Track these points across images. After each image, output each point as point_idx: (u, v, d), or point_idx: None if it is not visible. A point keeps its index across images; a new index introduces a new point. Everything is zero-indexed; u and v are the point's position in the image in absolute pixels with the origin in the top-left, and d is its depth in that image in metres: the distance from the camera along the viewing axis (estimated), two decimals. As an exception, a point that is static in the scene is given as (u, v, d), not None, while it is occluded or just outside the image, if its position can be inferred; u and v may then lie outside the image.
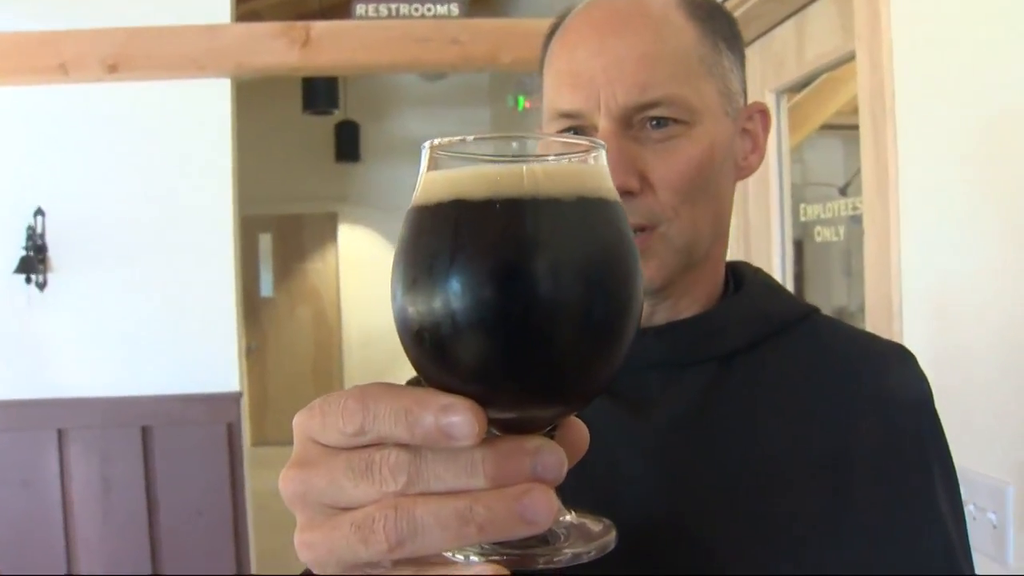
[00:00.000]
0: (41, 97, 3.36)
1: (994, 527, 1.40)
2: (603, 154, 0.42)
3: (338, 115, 7.66)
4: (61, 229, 3.36)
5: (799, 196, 2.66)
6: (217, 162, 3.45)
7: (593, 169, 0.41)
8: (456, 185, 0.40)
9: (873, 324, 1.70)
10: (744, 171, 0.89)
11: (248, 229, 3.55)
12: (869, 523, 0.74)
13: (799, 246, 2.66)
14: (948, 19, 1.52)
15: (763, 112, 0.90)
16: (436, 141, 0.42)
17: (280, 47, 3.38)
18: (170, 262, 3.43)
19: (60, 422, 3.36)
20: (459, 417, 0.37)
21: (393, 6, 3.49)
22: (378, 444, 0.40)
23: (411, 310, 0.40)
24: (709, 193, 0.81)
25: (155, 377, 3.41)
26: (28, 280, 3.31)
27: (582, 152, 0.41)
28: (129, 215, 3.41)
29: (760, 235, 2.54)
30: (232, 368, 3.49)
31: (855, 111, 2.75)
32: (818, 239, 2.46)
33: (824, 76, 2.37)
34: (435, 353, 0.40)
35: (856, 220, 2.41)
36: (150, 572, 3.36)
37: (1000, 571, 1.38)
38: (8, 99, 3.36)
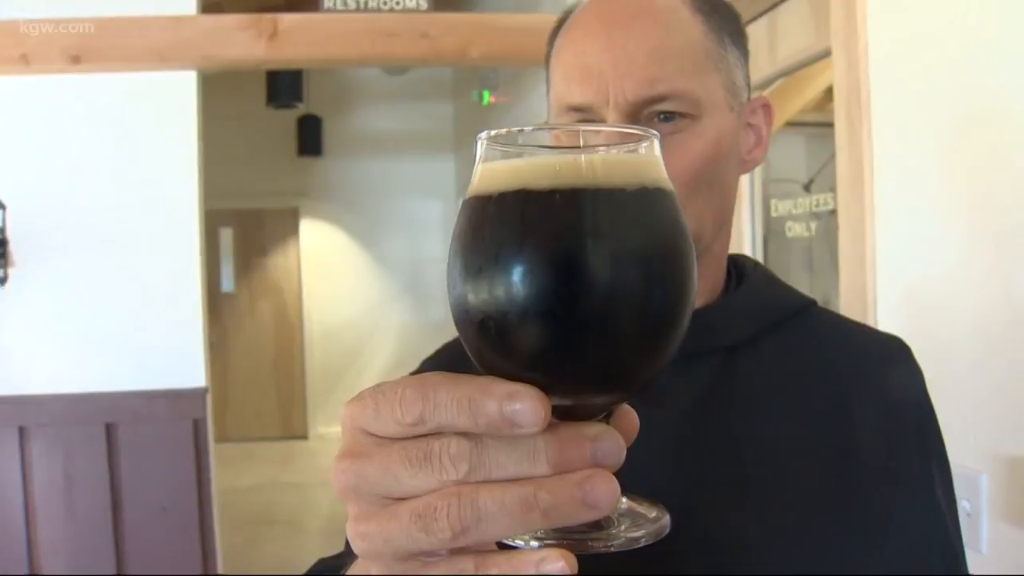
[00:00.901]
0: (1, 88, 3.29)
1: (968, 515, 1.43)
2: (656, 143, 0.42)
3: (301, 109, 7.60)
4: (22, 223, 3.29)
5: (766, 192, 2.70)
6: (182, 156, 3.40)
7: (650, 159, 0.42)
8: (520, 175, 0.40)
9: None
10: (748, 165, 0.90)
11: (209, 223, 3.51)
12: (871, 511, 0.76)
13: (765, 241, 2.69)
14: (924, 17, 1.55)
15: (766, 106, 0.91)
16: (492, 132, 0.42)
17: (247, 39, 3.34)
18: (134, 256, 3.38)
19: (21, 419, 3.29)
20: (524, 404, 0.38)
21: (362, -1, 3.48)
22: (435, 433, 0.40)
23: (475, 298, 0.40)
24: (714, 187, 0.82)
25: (119, 373, 3.36)
26: (-12, 275, 3.25)
27: (636, 142, 0.42)
28: (92, 209, 3.35)
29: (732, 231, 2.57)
30: (198, 363, 3.45)
31: (817, 108, 2.80)
32: (789, 234, 2.50)
33: (787, 76, 2.40)
34: (500, 341, 0.40)
35: (819, 216, 2.45)
36: (114, 570, 3.32)
37: (974, 559, 1.41)
38: (-33, 90, 3.30)
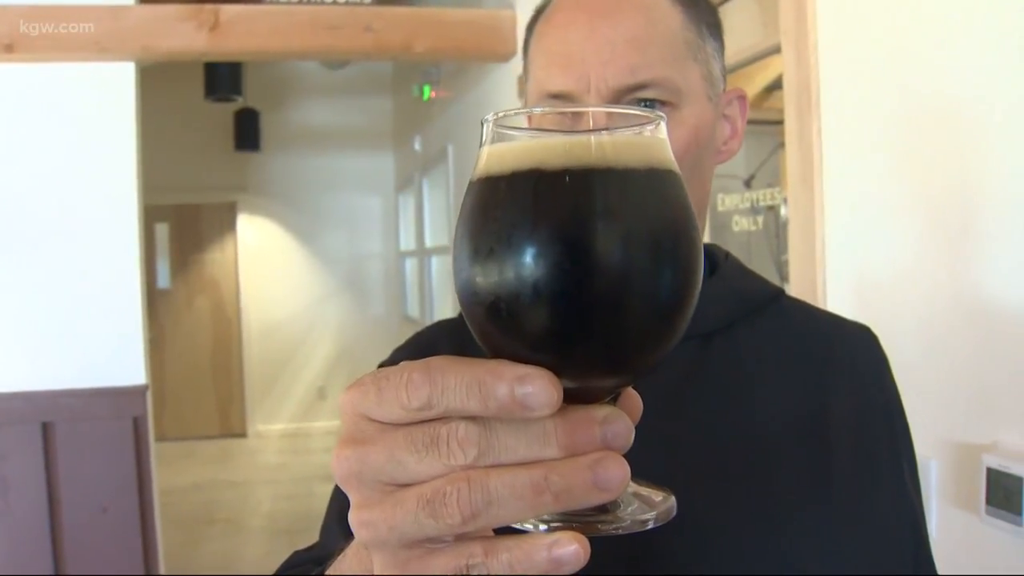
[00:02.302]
0: (-70, 78, 3.20)
1: (915, 502, 1.47)
2: (663, 125, 0.42)
3: (238, 103, 7.48)
4: (-47, 217, 3.20)
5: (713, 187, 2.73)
6: (120, 149, 3.34)
7: (659, 140, 0.42)
8: (531, 155, 0.39)
9: (797, 309, 1.76)
10: (723, 155, 0.91)
11: (145, 219, 3.45)
12: (845, 494, 0.77)
13: (710, 235, 2.73)
14: (873, 14, 1.58)
15: (742, 98, 0.92)
16: (500, 113, 0.42)
17: (188, 30, 3.29)
18: (71, 252, 3.31)
19: (-46, 419, 3.20)
20: (536, 387, 0.37)
21: (305, -9, 3.45)
22: (442, 418, 0.39)
23: (485, 280, 0.39)
24: (693, 177, 0.82)
25: (56, 371, 3.28)
26: (-83, 270, 3.15)
27: (643, 123, 0.42)
28: (27, 203, 3.27)
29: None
30: (138, 360, 3.39)
31: (755, 106, 2.84)
32: (736, 228, 2.53)
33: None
34: (511, 323, 0.39)
35: (758, 211, 2.49)
36: (52, 572, 3.24)
37: (922, 543, 1.45)
38: None
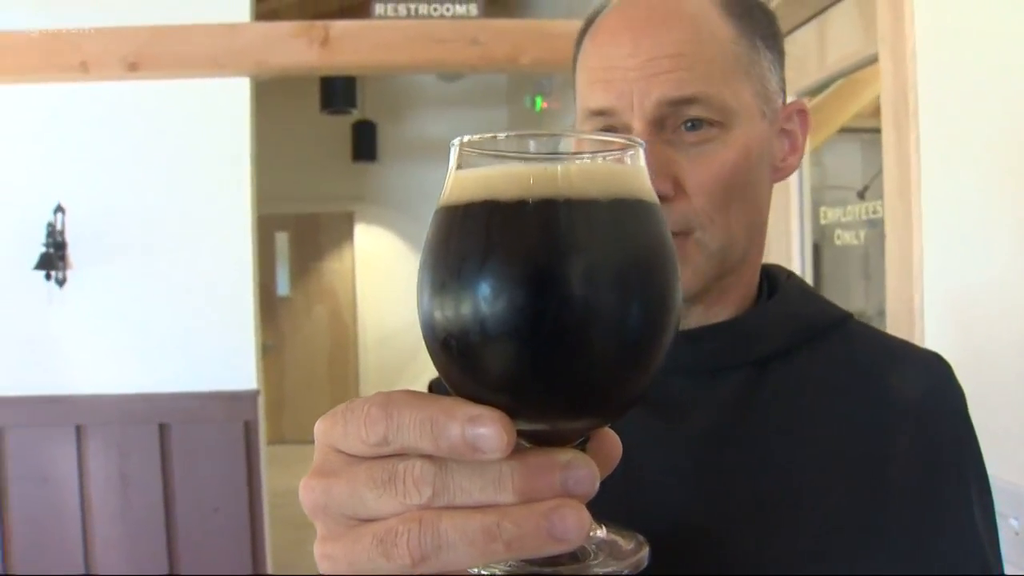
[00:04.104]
0: (62, 95, 3.38)
1: (1016, 533, 1.38)
2: (641, 153, 0.40)
3: (355, 115, 7.66)
4: (81, 226, 3.37)
5: (818, 199, 2.65)
6: (236, 161, 3.46)
7: (630, 169, 0.40)
8: (487, 184, 0.38)
9: (894, 327, 1.69)
10: (782, 172, 0.86)
11: (265, 228, 3.55)
12: (905, 534, 0.72)
13: (816, 249, 2.65)
14: (972, 22, 1.51)
15: (802, 112, 0.87)
16: (466, 138, 0.41)
17: (299, 46, 3.38)
18: (189, 259, 3.44)
19: (79, 418, 3.37)
20: (487, 429, 0.36)
21: (412, 6, 3.50)
22: (402, 454, 0.38)
23: (438, 315, 0.38)
24: (745, 197, 0.79)
25: (173, 374, 3.42)
26: (48, 277, 3.33)
27: (618, 150, 0.40)
28: (148, 213, 3.42)
29: (779, 238, 2.53)
30: (250, 366, 3.49)
31: (873, 114, 2.75)
32: (838, 243, 2.45)
33: (843, 79, 2.36)
34: (463, 361, 0.38)
35: (874, 224, 2.40)
36: (167, 567, 3.38)
37: (1022, 578, 1.37)
38: (29, 97, 3.38)
